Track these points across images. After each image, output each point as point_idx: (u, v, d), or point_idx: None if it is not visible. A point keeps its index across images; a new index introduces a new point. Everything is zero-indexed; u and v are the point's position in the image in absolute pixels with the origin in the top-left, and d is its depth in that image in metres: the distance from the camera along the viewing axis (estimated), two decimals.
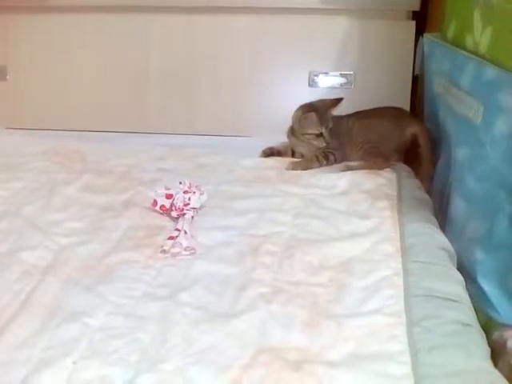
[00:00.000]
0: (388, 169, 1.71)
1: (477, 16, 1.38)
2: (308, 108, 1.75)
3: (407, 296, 1.15)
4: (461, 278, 1.23)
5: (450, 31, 1.55)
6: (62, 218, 1.46)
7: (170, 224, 1.43)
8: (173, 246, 1.32)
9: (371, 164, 1.70)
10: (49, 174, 1.69)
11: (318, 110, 1.74)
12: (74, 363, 0.99)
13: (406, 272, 1.22)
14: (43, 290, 1.18)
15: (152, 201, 1.47)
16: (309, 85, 1.99)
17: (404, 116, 1.79)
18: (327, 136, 1.72)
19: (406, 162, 1.85)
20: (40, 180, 1.65)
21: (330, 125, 1.73)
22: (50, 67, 2.10)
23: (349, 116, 1.79)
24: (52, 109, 2.10)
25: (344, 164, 1.75)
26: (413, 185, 1.63)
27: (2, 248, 1.33)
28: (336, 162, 1.75)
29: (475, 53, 1.38)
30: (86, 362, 0.99)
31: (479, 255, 1.32)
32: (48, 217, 1.47)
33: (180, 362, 0.99)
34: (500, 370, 0.99)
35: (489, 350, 1.05)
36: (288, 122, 2.01)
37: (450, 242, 1.35)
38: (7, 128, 2.04)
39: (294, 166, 1.73)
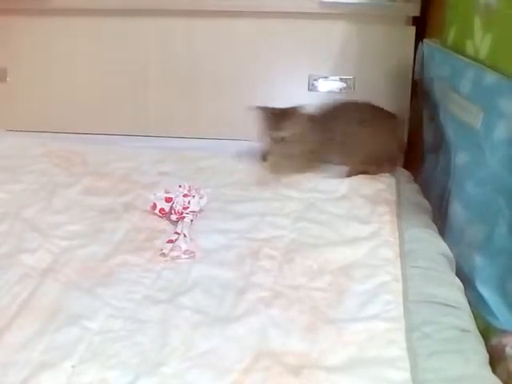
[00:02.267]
0: (387, 174, 1.71)
1: (477, 22, 1.38)
2: (268, 110, 1.69)
3: (406, 301, 1.15)
4: (460, 283, 1.23)
5: (450, 37, 1.55)
6: (62, 220, 1.46)
7: (170, 227, 1.43)
8: (172, 250, 1.32)
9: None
10: (49, 176, 1.69)
11: (277, 115, 1.68)
12: (73, 367, 0.99)
13: (405, 277, 1.23)
14: (43, 292, 1.18)
15: (151, 204, 1.47)
16: (308, 89, 1.99)
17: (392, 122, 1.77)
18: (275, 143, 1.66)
19: (405, 166, 1.85)
20: (40, 182, 1.65)
21: (287, 133, 1.64)
22: (51, 69, 2.10)
23: (334, 119, 1.74)
24: (52, 111, 2.09)
25: (341, 169, 1.74)
26: (412, 190, 1.63)
27: (1, 250, 1.33)
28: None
29: (475, 58, 1.38)
30: (86, 366, 0.99)
31: (478, 261, 1.32)
32: (48, 219, 1.47)
33: (180, 365, 1.00)
34: (499, 376, 1.00)
35: (487, 356, 1.05)
36: None
37: (449, 247, 1.35)
38: (7, 130, 2.04)
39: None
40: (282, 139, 1.67)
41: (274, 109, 1.70)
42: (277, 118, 1.67)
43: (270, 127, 1.67)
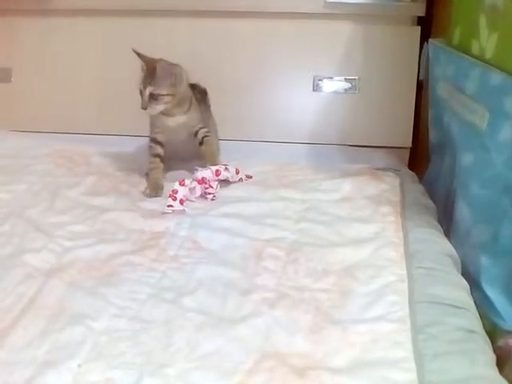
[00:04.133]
0: (391, 174, 1.71)
1: (482, 21, 1.37)
2: (150, 60, 1.58)
3: (412, 302, 1.14)
4: (466, 284, 1.23)
5: (456, 36, 1.55)
6: (66, 220, 1.46)
7: (173, 226, 1.43)
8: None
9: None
10: (52, 176, 1.69)
11: (151, 66, 1.57)
12: (79, 366, 0.99)
13: (410, 278, 1.22)
14: (47, 292, 1.18)
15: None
16: (313, 89, 1.99)
17: None
18: (145, 99, 1.54)
19: (410, 167, 1.85)
20: (43, 183, 1.65)
21: (158, 91, 1.53)
22: (54, 70, 2.10)
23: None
24: (56, 111, 2.09)
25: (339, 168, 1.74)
26: (417, 191, 1.62)
27: (5, 250, 1.33)
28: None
29: (481, 58, 1.38)
30: (91, 365, 0.99)
31: (484, 261, 1.32)
32: (51, 219, 1.47)
33: (184, 366, 0.99)
34: (505, 377, 0.99)
35: (494, 356, 1.04)
36: (292, 127, 2.01)
37: (455, 248, 1.35)
38: (11, 130, 2.04)
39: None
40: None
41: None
42: (153, 71, 1.55)
43: (144, 79, 1.55)
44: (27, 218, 1.47)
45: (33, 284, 1.20)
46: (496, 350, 1.09)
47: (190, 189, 1.52)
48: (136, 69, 2.06)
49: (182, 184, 1.51)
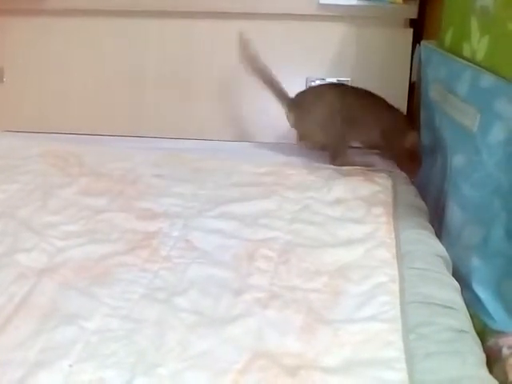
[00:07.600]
0: (384, 175, 1.71)
1: (474, 24, 1.38)
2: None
3: (403, 302, 1.15)
4: (456, 284, 1.23)
5: (447, 39, 1.56)
6: (58, 220, 1.46)
7: (165, 227, 1.43)
8: None
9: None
10: (45, 176, 1.69)
11: None
12: (71, 366, 0.98)
13: (402, 278, 1.22)
14: (39, 292, 1.18)
15: None
16: None
17: None
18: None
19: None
20: (36, 182, 1.65)
21: None
22: (47, 70, 2.10)
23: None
24: (49, 111, 2.09)
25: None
26: (409, 192, 1.63)
27: None
28: None
29: (472, 60, 1.39)
30: (83, 365, 0.99)
31: (475, 262, 1.33)
32: (44, 219, 1.46)
33: (176, 366, 0.99)
34: (495, 377, 1.00)
35: (484, 356, 1.05)
36: (285, 128, 2.01)
37: (446, 249, 1.35)
38: (4, 130, 2.04)
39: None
40: None
41: None
42: None
43: None
44: (19, 217, 1.46)
45: (25, 284, 1.20)
46: (486, 349, 1.10)
47: None
48: (129, 69, 2.07)
49: None
